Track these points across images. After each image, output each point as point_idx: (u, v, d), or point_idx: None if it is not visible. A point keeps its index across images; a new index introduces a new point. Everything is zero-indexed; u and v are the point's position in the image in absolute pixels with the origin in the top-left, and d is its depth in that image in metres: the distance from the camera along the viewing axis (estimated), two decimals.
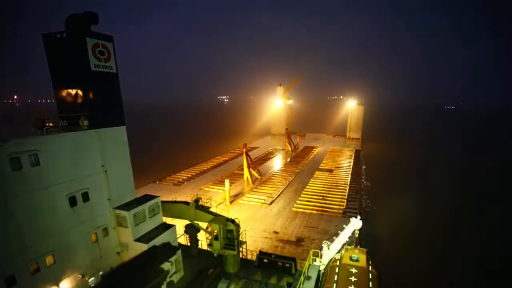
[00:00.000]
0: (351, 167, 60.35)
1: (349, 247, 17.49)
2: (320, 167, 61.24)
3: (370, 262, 16.01)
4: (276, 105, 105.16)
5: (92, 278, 16.77)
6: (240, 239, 21.31)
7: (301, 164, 64.00)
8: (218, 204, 38.88)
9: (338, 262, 16.20)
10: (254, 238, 30.58)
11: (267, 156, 73.05)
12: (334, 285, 14.40)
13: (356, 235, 18.41)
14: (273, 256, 22.30)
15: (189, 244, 24.24)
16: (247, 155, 47.43)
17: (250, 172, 48.72)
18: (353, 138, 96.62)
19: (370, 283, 14.32)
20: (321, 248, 18.89)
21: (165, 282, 17.48)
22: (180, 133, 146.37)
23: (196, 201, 22.29)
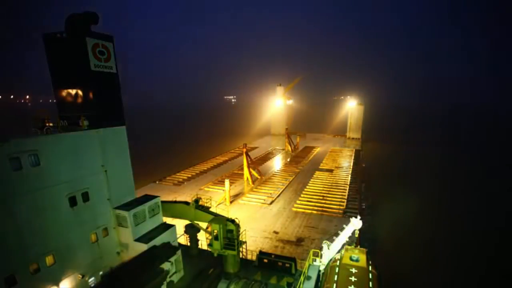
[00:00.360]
0: (351, 167, 60.35)
1: (349, 247, 17.48)
2: (320, 167, 61.22)
3: (370, 262, 16.01)
4: (276, 105, 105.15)
5: (92, 278, 16.78)
6: (240, 239, 21.31)
7: (301, 164, 64.00)
8: (218, 204, 38.89)
9: (338, 262, 16.19)
10: (254, 238, 30.58)
11: (267, 156, 73.03)
12: (334, 285, 14.39)
13: (356, 235, 18.40)
14: (273, 256, 22.29)
15: (189, 244, 24.24)
16: (247, 155, 47.43)
17: (250, 172, 48.71)
18: (353, 138, 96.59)
19: (370, 283, 14.32)
20: (321, 248, 18.87)
21: (165, 282, 17.48)
22: (181, 133, 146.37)
23: (196, 201, 22.30)
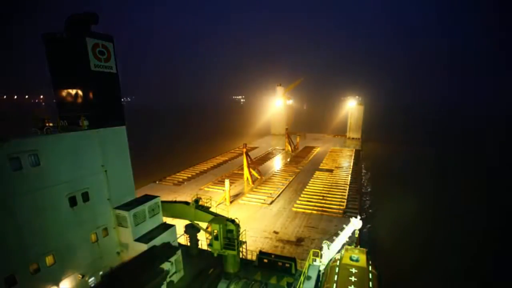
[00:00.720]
0: (351, 167, 60.37)
1: (349, 247, 17.49)
2: (320, 167, 61.24)
3: (370, 262, 16.01)
4: (276, 105, 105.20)
5: (92, 278, 16.78)
6: (240, 239, 21.31)
7: (301, 164, 64.00)
8: (218, 204, 38.89)
9: (338, 262, 16.20)
10: (254, 238, 30.58)
11: (267, 156, 73.06)
12: (334, 285, 14.39)
13: (356, 235, 18.41)
14: (273, 256, 22.29)
15: (189, 244, 24.24)
16: (247, 155, 47.44)
17: (250, 172, 48.73)
18: (353, 138, 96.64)
19: (370, 283, 14.32)
20: (321, 248, 18.88)
21: (165, 282, 17.47)
22: (182, 133, 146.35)
23: (196, 201, 22.30)
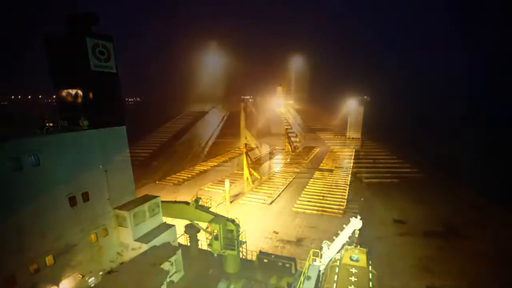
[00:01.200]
0: (351, 167, 60.40)
1: (349, 247, 17.48)
2: (320, 167, 61.28)
3: (370, 262, 16.00)
4: (276, 105, 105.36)
5: (92, 278, 16.78)
6: (240, 239, 21.31)
7: (301, 164, 64.03)
8: (218, 204, 38.90)
9: (338, 262, 16.19)
10: (254, 238, 30.58)
11: (267, 156, 73.11)
12: (334, 285, 14.38)
13: (356, 235, 18.40)
14: (273, 256, 22.30)
15: (189, 244, 24.25)
16: (247, 155, 47.45)
17: (250, 172, 48.73)
18: (353, 138, 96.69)
19: (370, 283, 14.31)
20: (321, 248, 18.86)
21: (165, 282, 17.48)
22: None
23: (196, 201, 22.29)
